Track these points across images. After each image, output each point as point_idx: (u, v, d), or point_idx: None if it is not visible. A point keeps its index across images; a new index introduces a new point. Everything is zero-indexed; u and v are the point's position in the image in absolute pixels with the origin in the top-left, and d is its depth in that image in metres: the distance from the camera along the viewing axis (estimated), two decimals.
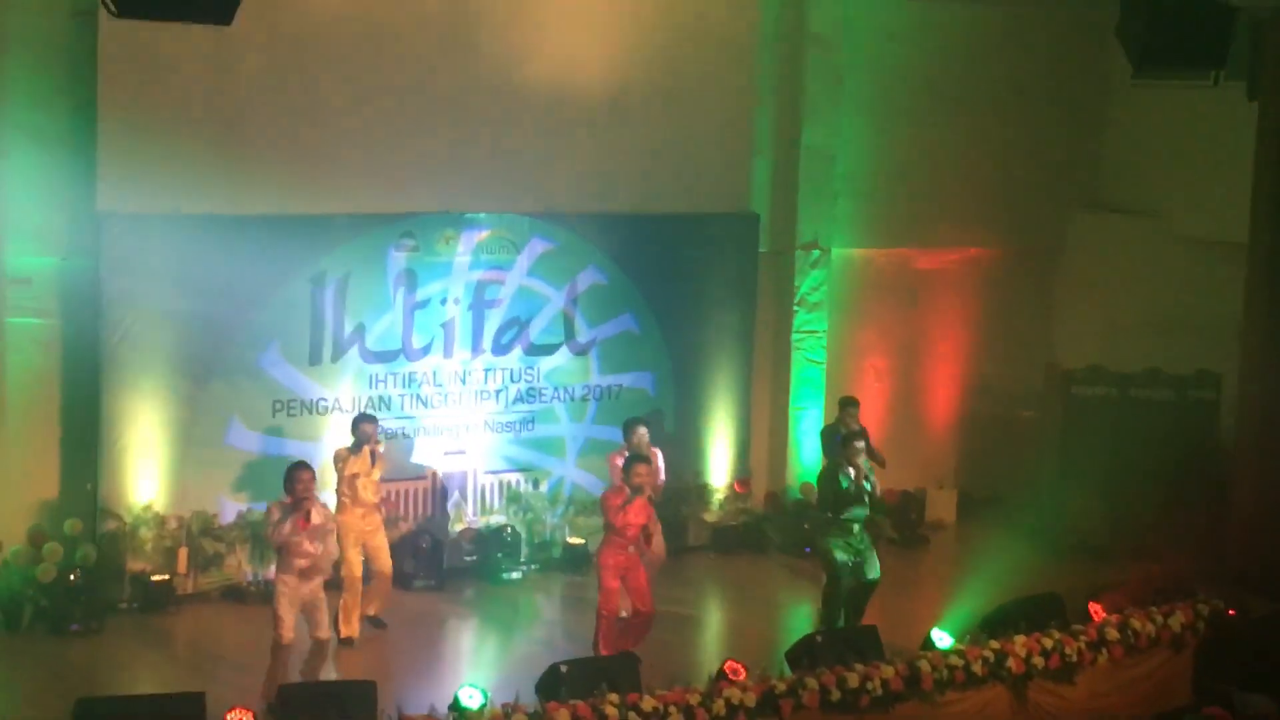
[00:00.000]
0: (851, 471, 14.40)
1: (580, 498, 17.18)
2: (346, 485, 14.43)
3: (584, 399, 17.22)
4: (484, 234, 16.54)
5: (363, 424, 14.58)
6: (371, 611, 14.77)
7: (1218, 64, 15.99)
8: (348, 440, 14.69)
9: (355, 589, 14.45)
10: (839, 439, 15.38)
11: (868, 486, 14.41)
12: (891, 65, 19.09)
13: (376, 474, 14.52)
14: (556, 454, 17.18)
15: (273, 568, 15.25)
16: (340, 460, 14.46)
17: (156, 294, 15.03)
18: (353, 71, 15.83)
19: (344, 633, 14.38)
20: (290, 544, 12.62)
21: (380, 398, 16.21)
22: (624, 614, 14.27)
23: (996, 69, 19.62)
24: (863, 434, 14.97)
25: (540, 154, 16.74)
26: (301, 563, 12.68)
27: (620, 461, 14.43)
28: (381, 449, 14.67)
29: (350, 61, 15.80)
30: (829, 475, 14.77)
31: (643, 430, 14.98)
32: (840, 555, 14.48)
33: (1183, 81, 18.85)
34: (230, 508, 15.58)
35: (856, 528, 14.47)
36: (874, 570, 14.54)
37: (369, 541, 14.56)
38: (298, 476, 12.71)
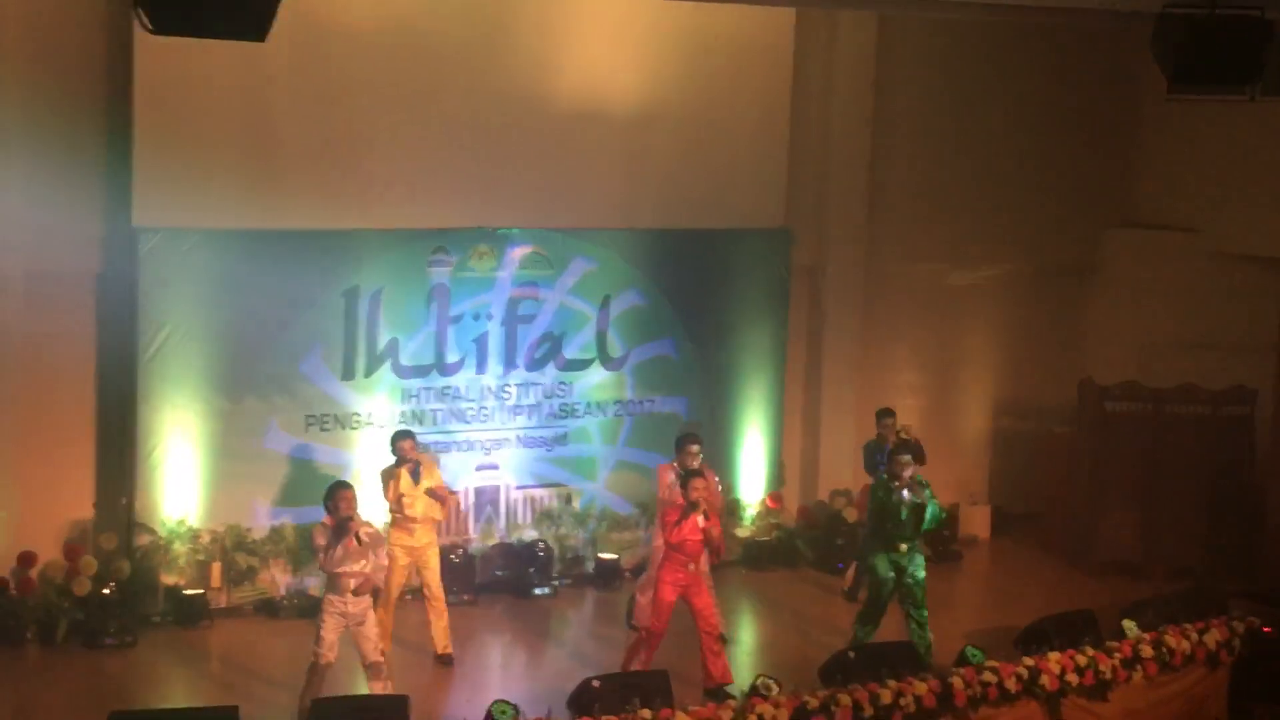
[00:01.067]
0: (896, 485, 14.34)
1: (612, 514, 17.18)
2: (394, 505, 14.37)
3: (617, 416, 17.21)
4: (519, 250, 16.56)
5: (400, 441, 14.50)
6: (439, 649, 14.57)
7: (1254, 78, 15.93)
8: (388, 459, 14.65)
9: (389, 606, 14.40)
10: (883, 454, 15.34)
11: (917, 500, 14.30)
12: (925, 82, 19.08)
13: (425, 485, 14.41)
14: (588, 470, 17.18)
15: (306, 581, 15.38)
16: (384, 481, 14.39)
17: (191, 308, 15.10)
18: (386, 87, 15.88)
19: (437, 649, 14.40)
20: (336, 566, 12.55)
21: (414, 412, 16.24)
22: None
23: (1030, 86, 19.59)
24: (910, 446, 14.88)
25: (574, 168, 16.77)
26: (351, 581, 12.60)
27: (671, 475, 14.35)
28: (428, 457, 14.69)
29: (384, 77, 15.85)
30: (874, 491, 14.72)
31: (695, 447, 14.89)
32: (882, 570, 14.42)
33: (1219, 96, 18.79)
34: (264, 515, 15.59)
35: (904, 545, 14.40)
36: (919, 572, 14.48)
37: (420, 559, 14.47)
38: (340, 496, 12.61)
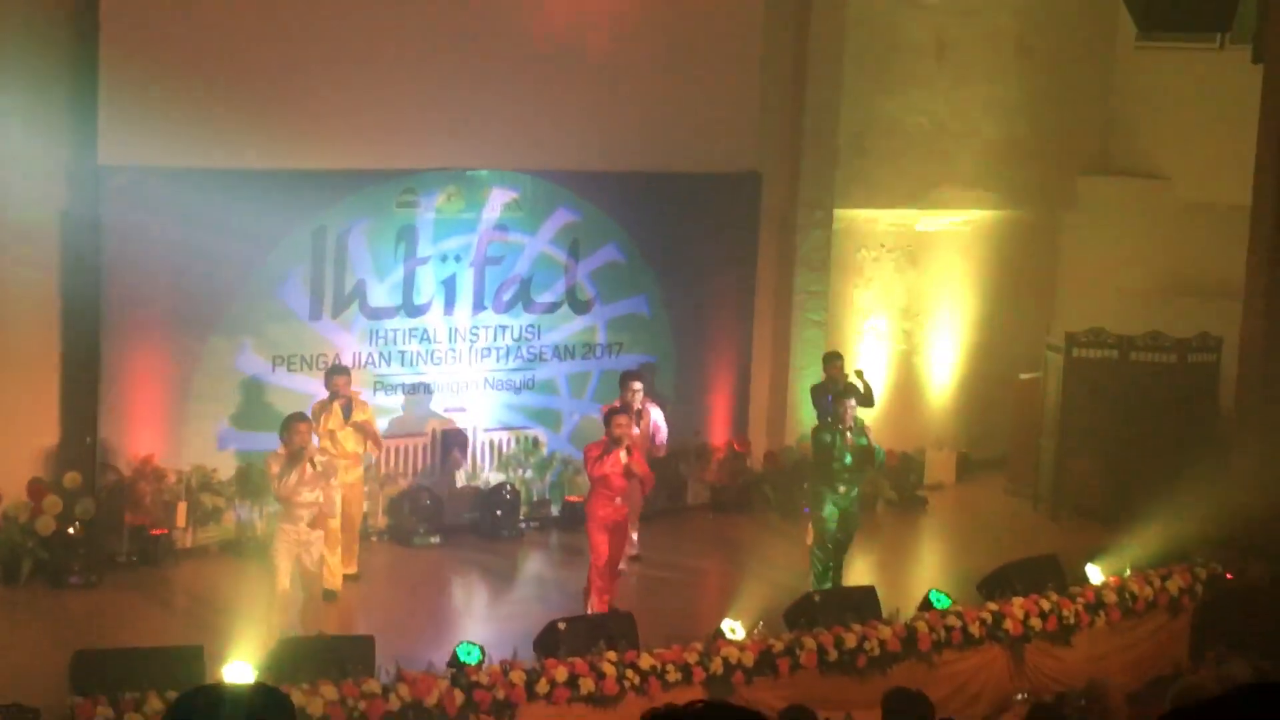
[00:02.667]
0: (840, 429, 14.41)
1: (578, 459, 17.17)
2: (328, 439, 14.39)
3: (584, 359, 17.17)
4: (486, 191, 16.49)
5: (334, 376, 14.63)
6: (349, 570, 14.80)
7: (1223, 27, 15.93)
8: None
9: (334, 540, 14.43)
10: (830, 397, 15.40)
11: (860, 442, 14.40)
12: (896, 25, 19.03)
13: (356, 419, 14.50)
14: (553, 420, 17.14)
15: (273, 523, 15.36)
16: (316, 415, 14.34)
17: (157, 248, 15.00)
18: (357, 25, 15.77)
19: (327, 584, 14.39)
20: (291, 495, 12.67)
21: (381, 353, 16.19)
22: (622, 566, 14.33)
23: (1002, 30, 19.56)
24: (853, 390, 15.01)
25: (544, 110, 16.68)
26: (305, 514, 12.80)
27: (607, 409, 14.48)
28: (358, 394, 14.76)
29: (354, 15, 15.74)
30: (818, 433, 14.79)
31: (637, 385, 14.96)
32: (827, 511, 14.52)
33: (1188, 44, 18.78)
34: (228, 455, 15.54)
35: (842, 486, 14.48)
36: (852, 526, 14.63)
37: (347, 493, 14.60)
38: (295, 428, 12.84)
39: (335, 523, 14.40)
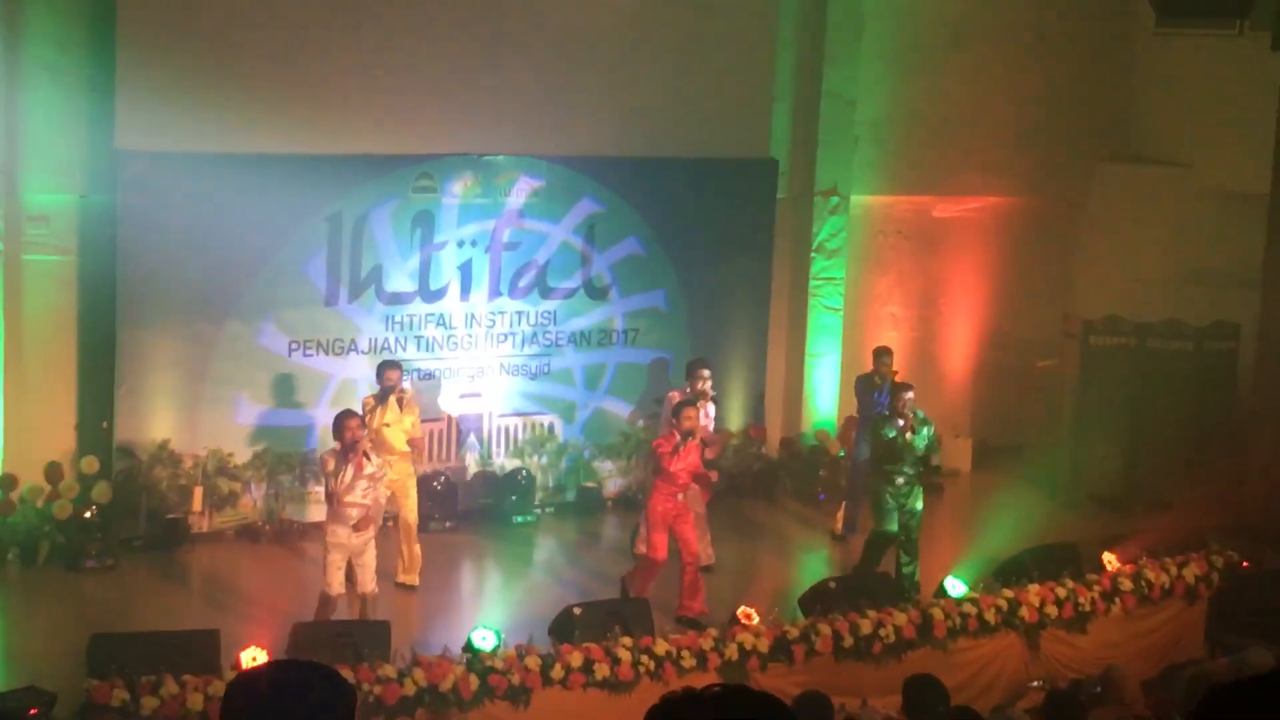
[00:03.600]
0: (900, 422, 14.30)
1: (594, 443, 17.17)
2: (375, 434, 14.03)
3: (600, 346, 17.15)
4: (501, 177, 16.48)
5: (387, 370, 14.34)
6: (400, 578, 14.40)
7: (1242, 13, 15.86)
8: (373, 386, 14.58)
9: (410, 531, 14.36)
10: (880, 391, 15.31)
11: (917, 438, 14.28)
12: (914, 11, 18.98)
13: (406, 421, 14.29)
14: (567, 408, 17.12)
15: (288, 507, 15.40)
16: (367, 410, 14.11)
17: (174, 232, 15.02)
18: (375, 10, 15.77)
19: (400, 577, 14.35)
20: (345, 492, 12.56)
21: (396, 339, 16.20)
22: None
23: (1020, 16, 19.50)
24: (910, 386, 14.87)
25: (560, 96, 16.66)
26: (354, 513, 12.62)
27: (678, 399, 14.31)
28: (409, 394, 14.52)
29: (371, 1, 15.73)
30: (875, 426, 14.69)
31: (705, 372, 14.85)
32: (887, 505, 14.38)
33: (1207, 31, 18.72)
34: (246, 440, 15.56)
35: (901, 480, 14.36)
36: (917, 503, 14.49)
37: (397, 490, 14.26)
38: (345, 424, 12.67)
39: (411, 516, 14.33)
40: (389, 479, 14.01)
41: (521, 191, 16.58)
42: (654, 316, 17.40)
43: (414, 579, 14.44)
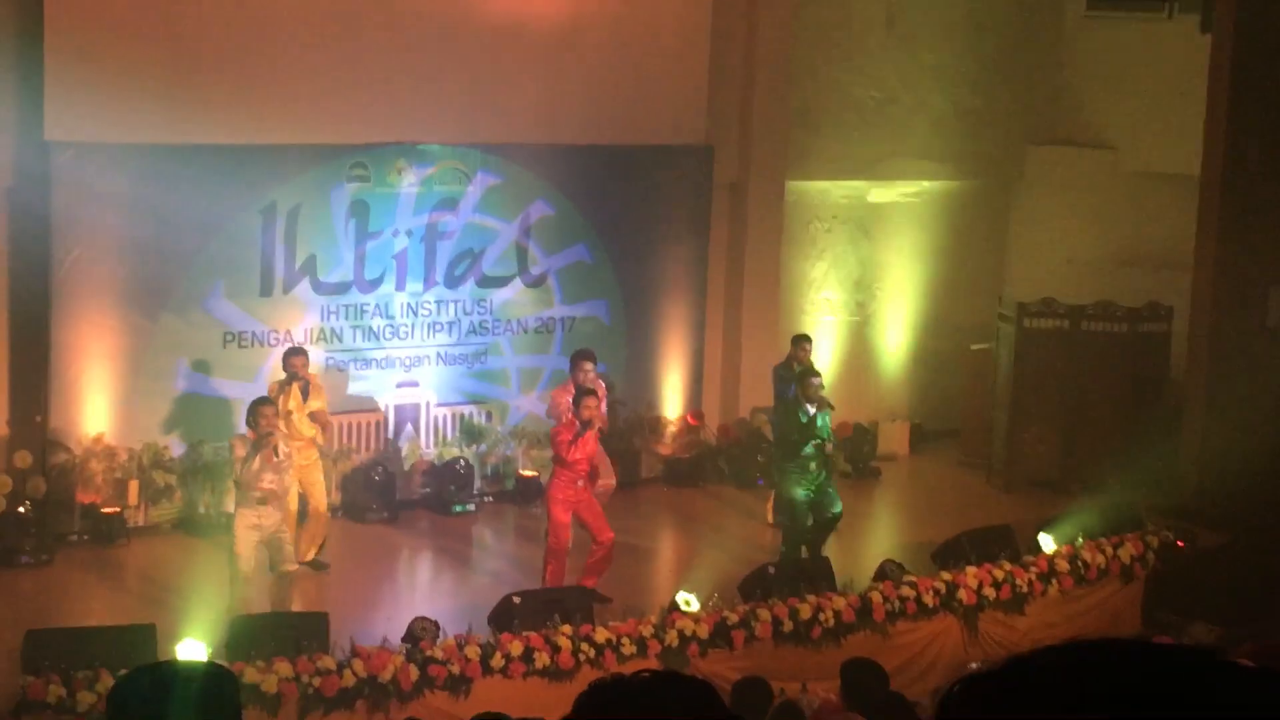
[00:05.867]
0: (810, 408, 14.40)
1: (533, 432, 17.15)
2: (283, 420, 13.90)
3: (538, 331, 17.15)
4: (436, 166, 16.43)
5: (292, 358, 14.35)
6: (310, 556, 14.46)
7: None
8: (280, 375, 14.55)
9: (291, 522, 14.33)
10: (795, 375, 15.38)
11: (823, 421, 14.45)
12: None
13: (311, 407, 14.25)
14: (506, 386, 17.12)
15: (225, 502, 15.30)
16: (273, 395, 13.99)
17: (106, 224, 14.90)
18: (306, 1, 15.67)
19: (308, 555, 14.35)
20: (254, 480, 12.56)
21: (332, 330, 16.13)
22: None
23: (952, 1, 19.57)
24: (817, 372, 14.98)
25: (494, 84, 16.62)
26: (258, 494, 12.62)
27: (567, 397, 14.34)
28: (315, 379, 14.51)
29: None
30: (786, 411, 14.78)
31: (589, 364, 14.93)
32: (800, 492, 14.49)
33: (1137, 14, 18.85)
34: (180, 434, 15.46)
35: (813, 464, 14.48)
36: (835, 505, 14.58)
37: (304, 477, 14.22)
38: (261, 412, 12.67)
39: (320, 502, 14.34)
40: (297, 466, 13.93)
41: (454, 180, 16.53)
42: (591, 302, 17.37)
43: (320, 554, 14.54)
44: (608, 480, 14.90)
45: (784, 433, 14.90)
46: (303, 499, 14.38)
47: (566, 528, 13.79)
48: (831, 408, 14.69)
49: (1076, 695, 2.10)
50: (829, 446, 14.69)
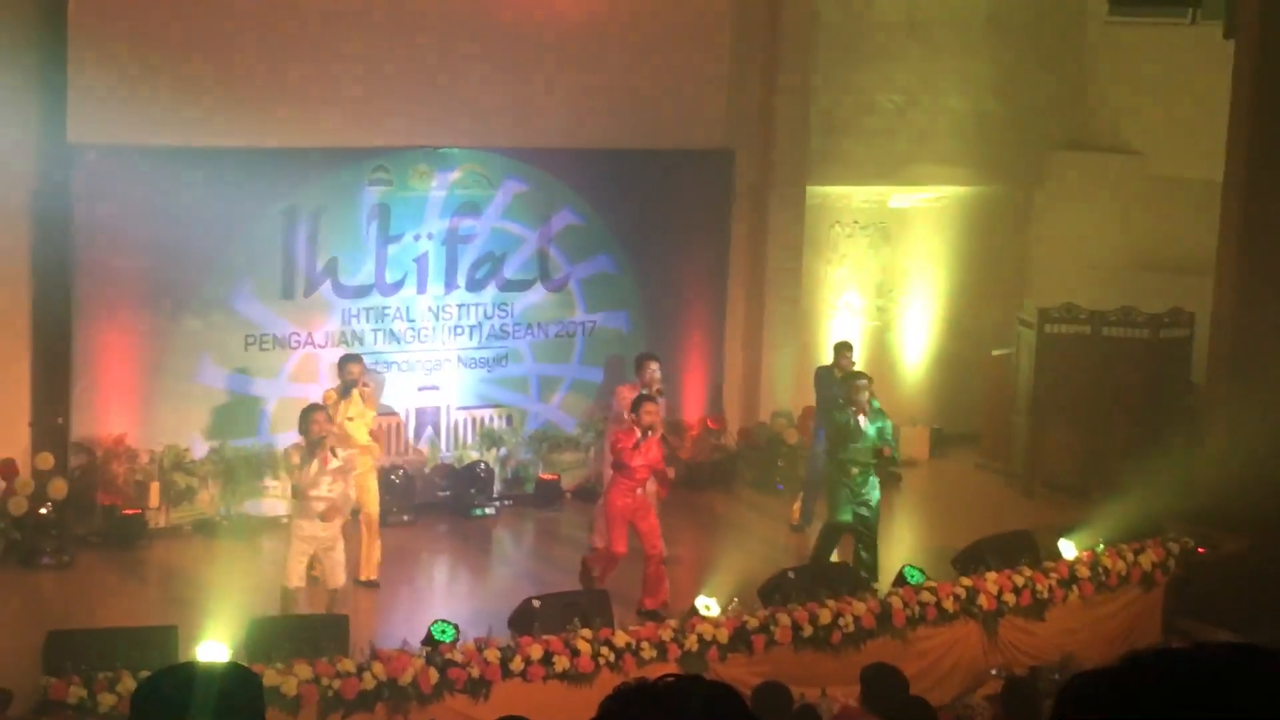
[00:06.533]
0: (852, 409, 14.26)
1: (554, 435, 17.15)
2: (339, 429, 13.80)
3: (559, 336, 17.15)
4: (458, 170, 16.45)
5: (349, 364, 14.23)
6: (362, 576, 14.21)
7: (1194, 2, 15.94)
8: (327, 380, 14.52)
9: (373, 528, 14.28)
10: (840, 378, 15.30)
11: (870, 426, 14.23)
12: (869, 1, 19.01)
13: (369, 415, 14.22)
14: (529, 390, 17.13)
15: (246, 504, 15.33)
16: (330, 404, 13.92)
17: (128, 227, 14.94)
18: (330, 3, 15.71)
19: (362, 575, 14.23)
20: (310, 486, 12.51)
21: (353, 333, 16.15)
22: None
23: (975, 4, 19.55)
24: (865, 376, 14.83)
25: (515, 88, 16.64)
26: (320, 505, 12.56)
27: (630, 396, 14.25)
28: (371, 389, 14.47)
29: None
30: (830, 414, 14.68)
31: (654, 365, 14.83)
32: (846, 515, 14.29)
33: (1159, 19, 18.82)
34: (202, 435, 15.50)
35: (855, 470, 14.31)
36: (871, 519, 14.39)
37: (359, 485, 14.02)
38: (312, 418, 12.65)
39: (373, 510, 14.20)
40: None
41: (478, 185, 16.55)
42: (612, 305, 17.37)
43: (375, 575, 14.33)
44: (661, 489, 14.61)
45: (829, 436, 14.73)
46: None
47: (623, 537, 13.58)
48: (882, 414, 14.46)
49: (1209, 696, 2.11)
50: (887, 451, 14.44)
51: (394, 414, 16.39)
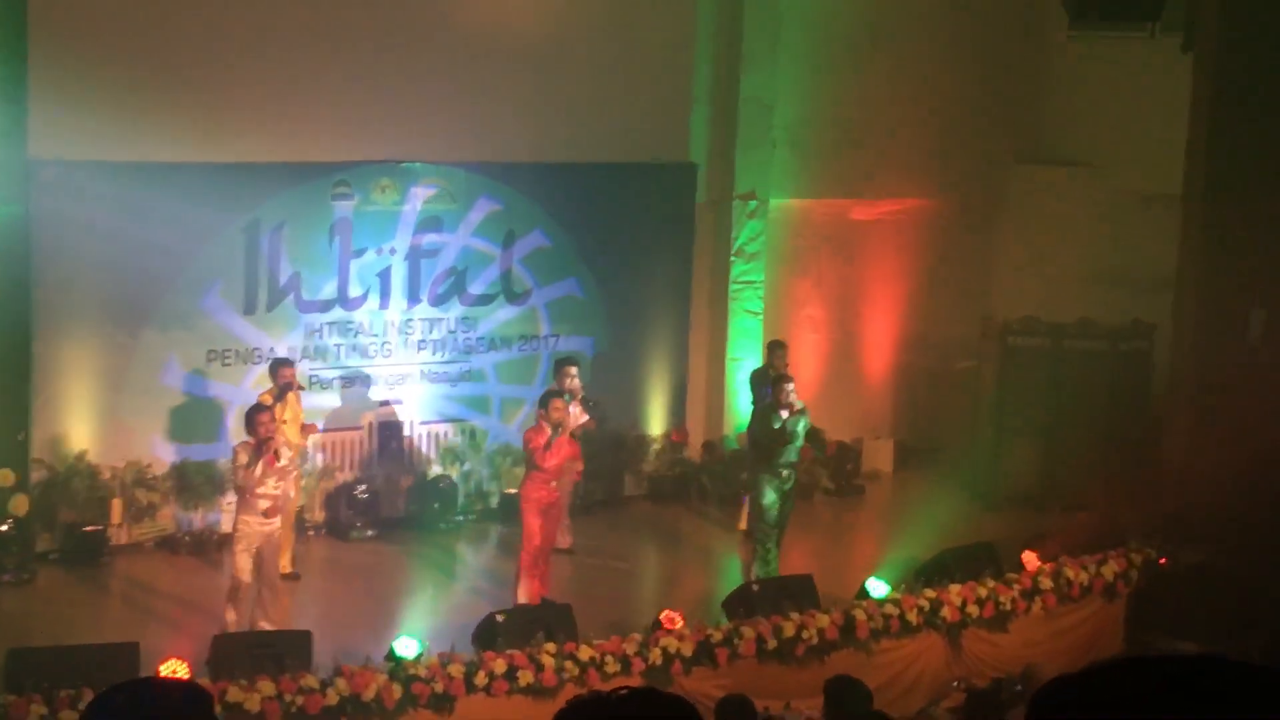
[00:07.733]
0: (784, 413, 14.43)
1: (515, 452, 17.11)
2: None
3: (521, 352, 17.13)
4: (421, 184, 16.44)
5: (281, 368, 14.55)
6: (287, 570, 14.49)
7: (1153, 16, 16.02)
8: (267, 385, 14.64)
9: (290, 527, 14.51)
10: (770, 381, 15.39)
11: (799, 425, 14.45)
12: (830, 15, 19.05)
13: (302, 415, 14.55)
14: (490, 408, 17.11)
15: (210, 517, 15.31)
16: (269, 405, 14.16)
17: (89, 242, 14.88)
18: (289, 18, 15.69)
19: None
20: (256, 485, 12.73)
21: (316, 347, 16.12)
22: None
23: (935, 19, 19.61)
24: (790, 377, 15.02)
25: (477, 102, 16.63)
26: (264, 504, 12.84)
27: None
28: (304, 389, 14.84)
29: (286, 7, 15.66)
30: (761, 416, 14.80)
31: (573, 370, 14.95)
32: (771, 495, 14.52)
33: (1119, 34, 18.90)
34: (163, 451, 15.46)
35: (785, 471, 14.52)
36: (788, 510, 14.70)
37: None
38: (259, 419, 12.94)
39: (294, 507, 14.62)
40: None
41: (436, 198, 16.54)
42: (574, 320, 17.38)
43: (290, 567, 14.69)
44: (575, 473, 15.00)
45: (757, 437, 14.90)
46: None
47: (541, 530, 13.91)
48: (805, 412, 14.67)
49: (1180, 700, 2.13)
50: (810, 453, 14.75)
51: (359, 427, 16.37)
